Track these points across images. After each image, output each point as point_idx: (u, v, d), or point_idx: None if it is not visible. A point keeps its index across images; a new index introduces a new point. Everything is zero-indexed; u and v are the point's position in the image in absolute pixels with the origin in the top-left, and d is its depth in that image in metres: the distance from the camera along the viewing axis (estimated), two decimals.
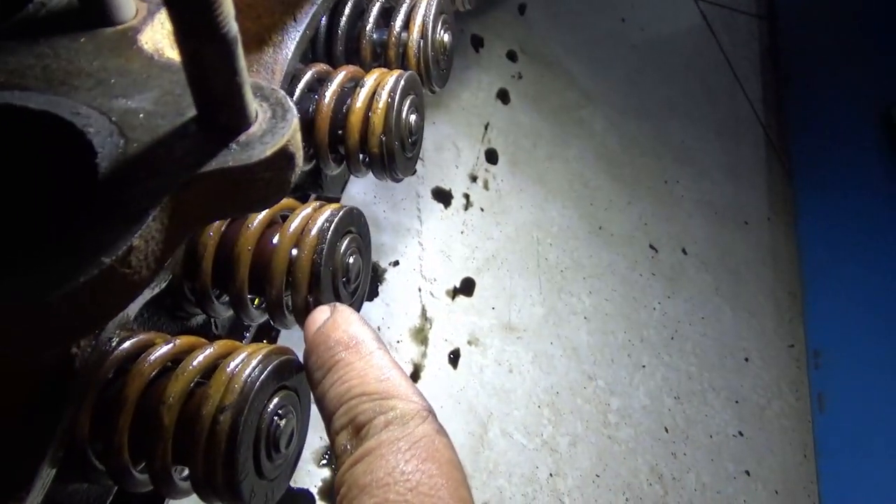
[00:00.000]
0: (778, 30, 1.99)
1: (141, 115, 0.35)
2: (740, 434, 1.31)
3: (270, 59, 0.56)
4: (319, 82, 0.60)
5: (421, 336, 1.07)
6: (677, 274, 1.38)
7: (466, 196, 1.25)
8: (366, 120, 0.59)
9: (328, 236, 0.48)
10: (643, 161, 1.52)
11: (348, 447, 0.30)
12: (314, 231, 0.48)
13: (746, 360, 1.39)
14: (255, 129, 0.34)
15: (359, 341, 0.35)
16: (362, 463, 0.28)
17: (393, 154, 0.59)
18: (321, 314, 0.39)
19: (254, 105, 0.34)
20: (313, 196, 0.71)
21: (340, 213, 0.50)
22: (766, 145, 1.74)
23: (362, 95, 0.58)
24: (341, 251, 0.50)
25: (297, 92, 0.58)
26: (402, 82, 0.60)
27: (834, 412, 1.32)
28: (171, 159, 0.33)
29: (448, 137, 1.29)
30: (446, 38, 0.72)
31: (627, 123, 1.56)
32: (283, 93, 0.37)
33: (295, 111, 0.36)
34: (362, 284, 0.54)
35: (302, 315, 0.45)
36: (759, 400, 1.37)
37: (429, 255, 1.14)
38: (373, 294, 1.07)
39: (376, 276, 1.07)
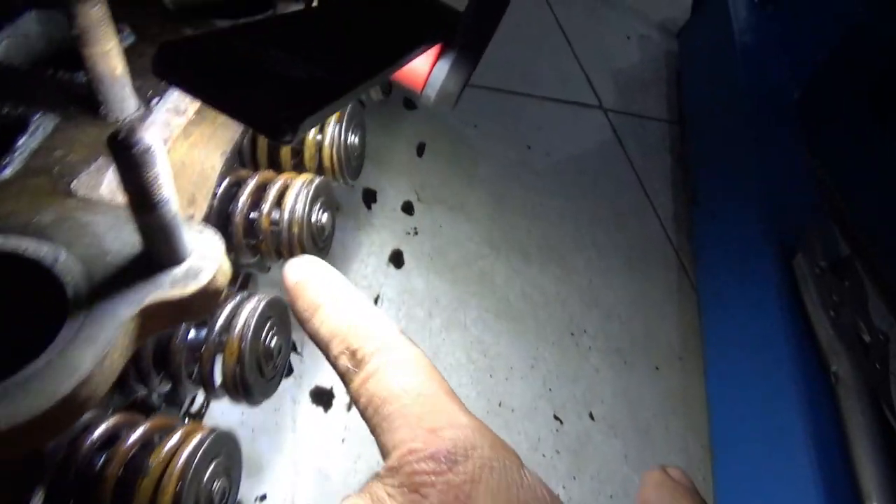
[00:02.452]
0: (688, 139, 1.98)
1: (100, 254, 0.45)
2: None
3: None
4: None
5: None
6: (583, 445, 1.32)
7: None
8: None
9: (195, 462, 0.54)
10: (548, 311, 1.47)
11: (351, 367, 0.37)
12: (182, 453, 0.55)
13: None
14: (189, 264, 0.46)
15: (339, 287, 0.41)
16: (373, 380, 0.35)
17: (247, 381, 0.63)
18: (297, 262, 0.45)
19: (188, 246, 0.46)
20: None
21: (207, 442, 0.56)
22: (677, 269, 1.71)
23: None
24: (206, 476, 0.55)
25: None
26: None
27: None
28: (125, 291, 0.44)
29: None
30: (324, 218, 0.74)
31: (531, 268, 1.51)
32: (211, 232, 0.49)
33: (221, 247, 0.48)
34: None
35: None
36: None
37: (303, 478, 1.05)
38: None
39: None
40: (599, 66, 2.11)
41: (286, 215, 0.69)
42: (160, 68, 0.38)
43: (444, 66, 0.70)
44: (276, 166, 0.83)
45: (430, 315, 1.34)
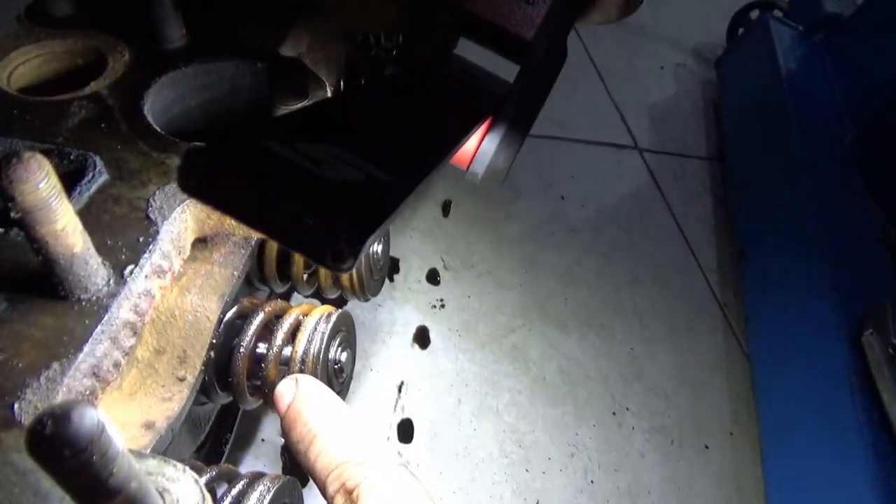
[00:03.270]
0: (730, 180, 1.84)
1: None
2: None
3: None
4: None
5: None
6: None
7: None
8: None
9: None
10: (587, 389, 1.34)
11: None
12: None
13: None
14: None
15: (329, 414, 0.42)
16: None
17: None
18: (287, 388, 0.45)
19: None
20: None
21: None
22: (724, 331, 1.58)
23: None
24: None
25: None
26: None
27: None
28: None
29: None
30: (343, 357, 0.64)
31: (568, 340, 1.39)
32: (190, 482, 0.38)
33: None
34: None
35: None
36: None
37: None
38: None
39: None
40: (633, 100, 1.98)
41: (299, 354, 0.59)
42: (186, 182, 0.32)
43: (493, 142, 0.62)
44: (283, 279, 0.72)
45: (460, 402, 1.22)
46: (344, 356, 0.63)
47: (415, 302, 1.28)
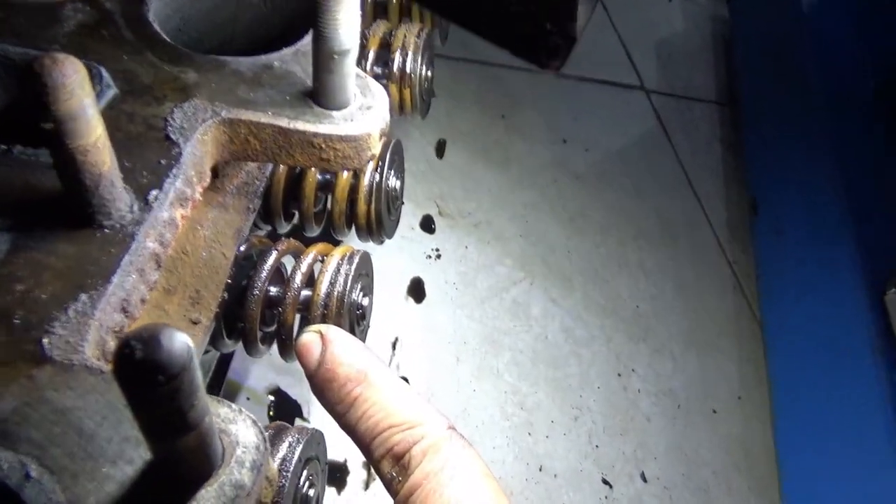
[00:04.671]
0: (741, 127, 1.78)
1: (93, 465, 0.32)
2: None
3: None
4: None
5: None
6: None
7: (369, 467, 1.00)
8: None
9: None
10: (591, 350, 1.29)
11: (395, 475, 0.35)
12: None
13: None
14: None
15: (367, 373, 0.39)
16: (419, 494, 0.34)
17: None
18: (313, 342, 0.42)
19: None
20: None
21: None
22: (733, 290, 1.54)
23: None
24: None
25: None
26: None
27: None
28: None
29: None
30: (366, 302, 0.60)
31: (572, 297, 1.33)
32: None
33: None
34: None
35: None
36: None
37: None
38: None
39: None
40: (639, 36, 1.87)
41: (321, 297, 0.54)
42: None
43: None
44: (289, 216, 0.65)
45: (458, 360, 1.15)
46: (366, 301, 0.59)
47: (409, 251, 1.19)
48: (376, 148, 0.53)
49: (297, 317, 0.55)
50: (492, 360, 1.18)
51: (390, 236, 0.72)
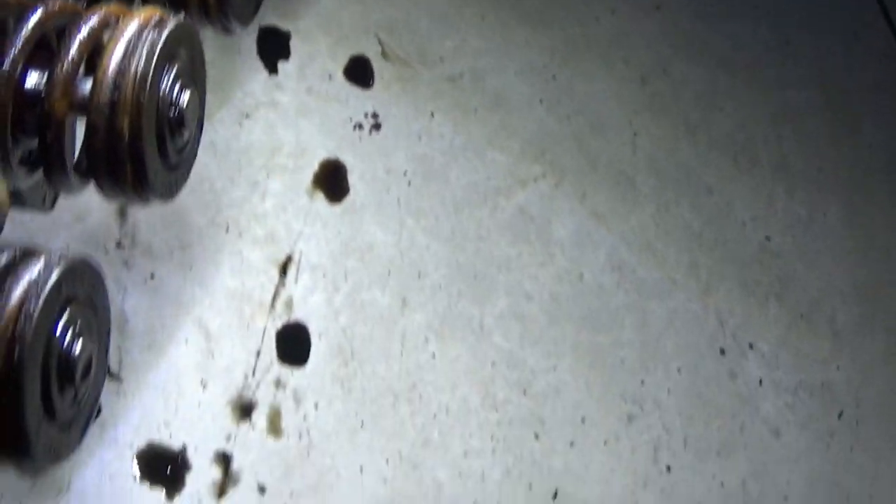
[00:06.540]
0: None
1: None
2: None
3: None
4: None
5: None
6: None
7: (224, 458, 0.61)
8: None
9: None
10: (668, 305, 0.81)
11: None
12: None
13: None
14: None
15: None
16: None
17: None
18: None
19: None
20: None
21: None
22: None
23: None
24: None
25: None
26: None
27: None
28: None
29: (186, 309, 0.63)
30: (185, 99, 0.46)
31: (634, 215, 0.84)
32: None
33: None
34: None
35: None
36: None
37: None
38: None
39: None
40: None
41: (108, 82, 0.41)
42: None
43: None
44: None
45: (405, 303, 0.72)
46: (186, 97, 0.46)
47: (321, 115, 0.73)
48: None
49: (71, 120, 0.43)
50: (471, 309, 0.72)
51: (246, 23, 0.58)
